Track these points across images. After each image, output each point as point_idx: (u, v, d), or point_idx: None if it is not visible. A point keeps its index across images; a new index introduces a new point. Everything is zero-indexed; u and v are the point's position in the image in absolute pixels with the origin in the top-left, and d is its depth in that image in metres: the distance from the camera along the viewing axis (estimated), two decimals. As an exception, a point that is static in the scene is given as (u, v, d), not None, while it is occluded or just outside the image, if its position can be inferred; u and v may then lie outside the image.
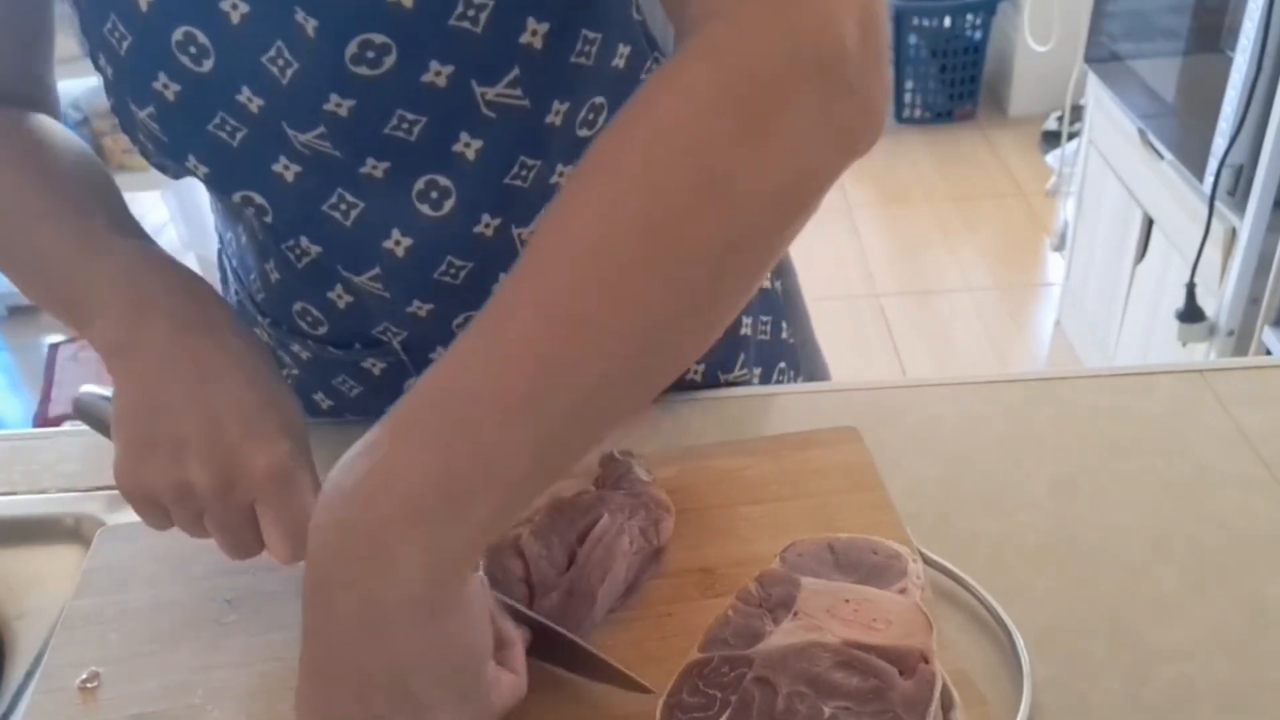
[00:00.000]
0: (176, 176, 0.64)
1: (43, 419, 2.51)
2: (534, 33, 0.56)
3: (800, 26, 0.43)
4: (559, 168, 0.62)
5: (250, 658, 0.59)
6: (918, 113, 3.50)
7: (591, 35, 0.59)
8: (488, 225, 0.62)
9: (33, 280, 0.62)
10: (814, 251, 2.76)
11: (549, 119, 0.60)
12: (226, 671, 0.58)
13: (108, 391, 0.58)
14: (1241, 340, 1.67)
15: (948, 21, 3.38)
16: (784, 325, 0.83)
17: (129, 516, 0.71)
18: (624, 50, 0.62)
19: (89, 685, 0.58)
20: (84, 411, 0.62)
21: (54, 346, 2.75)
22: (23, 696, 0.59)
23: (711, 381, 0.78)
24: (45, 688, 0.58)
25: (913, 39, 3.38)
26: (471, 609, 0.45)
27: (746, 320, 0.78)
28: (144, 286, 0.57)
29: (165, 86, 0.57)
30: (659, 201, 0.41)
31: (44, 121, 0.66)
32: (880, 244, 2.97)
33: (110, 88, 0.60)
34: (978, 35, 3.40)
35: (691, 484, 0.66)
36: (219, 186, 0.62)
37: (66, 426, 0.83)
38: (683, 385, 0.77)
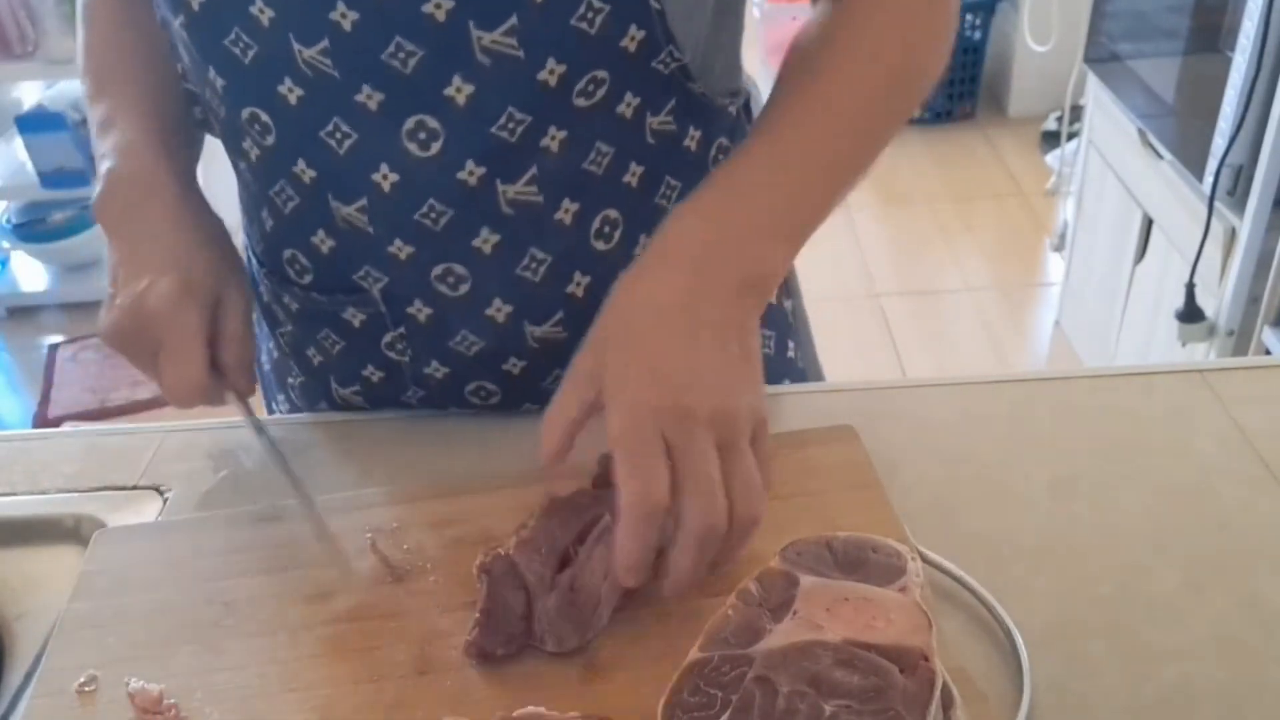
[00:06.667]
0: (201, 119, 0.73)
1: (42, 419, 2.51)
2: None
3: None
4: (551, 130, 0.64)
5: (248, 660, 0.59)
6: (917, 112, 3.50)
7: (597, 4, 0.61)
8: (471, 173, 0.65)
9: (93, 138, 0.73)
10: (813, 251, 2.73)
11: (542, 75, 0.62)
12: (225, 674, 0.58)
13: None
14: (1241, 340, 1.67)
15: (947, 21, 3.38)
16: (790, 344, 0.84)
17: (127, 518, 0.72)
18: (635, 33, 0.63)
19: (87, 689, 0.57)
20: None
21: (54, 347, 2.75)
22: (22, 697, 0.59)
23: None
24: (43, 691, 0.58)
25: (912, 39, 3.38)
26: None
27: None
28: (117, 168, 0.68)
29: None
30: (892, 81, 0.66)
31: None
32: (880, 244, 2.97)
33: (156, 3, 0.67)
34: (977, 35, 3.41)
35: (691, 484, 0.66)
36: (234, 100, 0.67)
37: (66, 427, 0.83)
38: None
